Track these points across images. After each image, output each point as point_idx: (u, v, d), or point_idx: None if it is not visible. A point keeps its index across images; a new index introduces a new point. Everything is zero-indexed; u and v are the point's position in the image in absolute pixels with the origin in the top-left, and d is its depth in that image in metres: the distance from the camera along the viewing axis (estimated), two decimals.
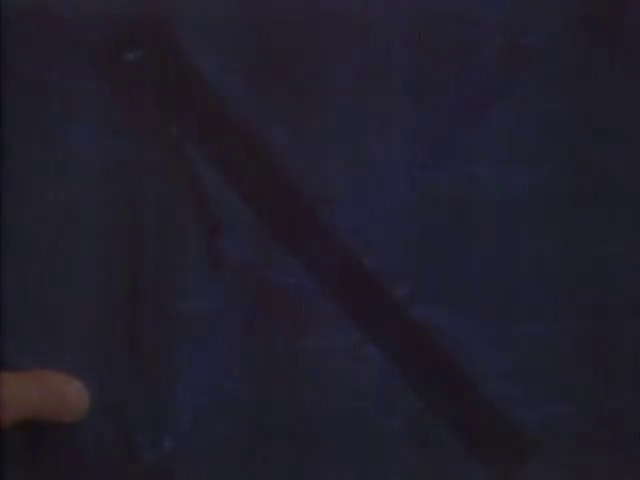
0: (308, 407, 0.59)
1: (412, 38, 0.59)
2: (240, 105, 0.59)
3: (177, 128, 0.60)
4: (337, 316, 0.59)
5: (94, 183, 0.60)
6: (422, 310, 0.59)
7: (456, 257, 0.59)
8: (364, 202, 0.59)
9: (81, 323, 0.59)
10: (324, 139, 0.59)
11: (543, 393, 0.58)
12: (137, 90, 0.60)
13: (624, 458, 0.58)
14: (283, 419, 0.59)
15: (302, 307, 0.59)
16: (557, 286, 0.59)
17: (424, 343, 0.58)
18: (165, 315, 0.59)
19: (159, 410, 0.59)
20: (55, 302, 0.60)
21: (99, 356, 0.59)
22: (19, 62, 0.60)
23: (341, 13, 0.59)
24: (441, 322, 0.58)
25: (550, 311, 0.59)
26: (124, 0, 0.60)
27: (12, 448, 0.59)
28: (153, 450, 0.59)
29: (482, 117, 0.59)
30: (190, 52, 0.60)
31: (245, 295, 0.59)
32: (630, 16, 0.58)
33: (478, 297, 0.59)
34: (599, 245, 0.59)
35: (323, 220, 0.59)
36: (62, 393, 0.26)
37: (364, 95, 0.59)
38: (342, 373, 0.59)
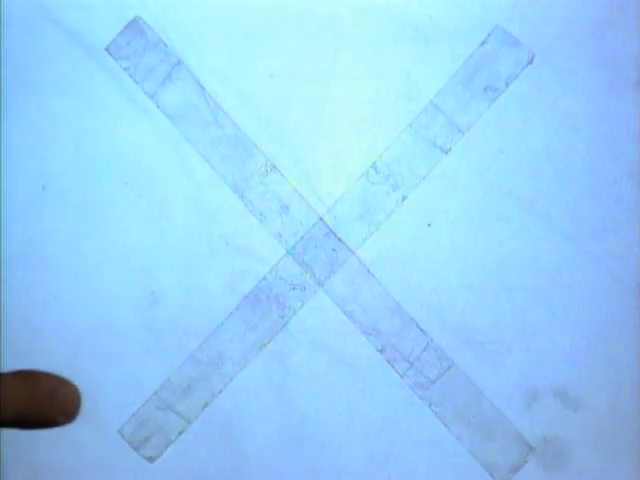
0: (308, 406, 0.59)
1: (412, 37, 0.59)
2: (237, 106, 0.60)
3: (177, 128, 0.60)
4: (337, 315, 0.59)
5: (94, 183, 0.60)
6: (421, 310, 0.59)
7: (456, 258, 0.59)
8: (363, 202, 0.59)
9: (82, 324, 0.60)
10: (320, 139, 0.60)
11: (543, 395, 0.58)
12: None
13: (622, 461, 0.58)
14: (282, 419, 0.59)
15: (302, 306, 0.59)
16: (556, 284, 0.59)
17: (423, 343, 0.58)
18: (166, 315, 0.59)
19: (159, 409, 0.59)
20: (55, 302, 0.60)
21: (99, 356, 0.60)
22: (19, 62, 0.60)
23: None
24: (440, 322, 0.59)
25: (550, 312, 0.59)
26: (124, 0, 0.60)
27: (12, 448, 0.60)
28: (153, 450, 0.59)
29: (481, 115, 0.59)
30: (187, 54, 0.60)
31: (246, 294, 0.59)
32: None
33: (477, 297, 0.59)
34: (598, 245, 0.59)
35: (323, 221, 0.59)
36: (54, 393, 0.26)
37: (362, 96, 0.60)
38: (342, 373, 0.59)
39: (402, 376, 0.58)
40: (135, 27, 0.60)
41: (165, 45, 0.60)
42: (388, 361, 0.59)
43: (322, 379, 0.59)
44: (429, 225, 0.59)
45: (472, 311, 0.59)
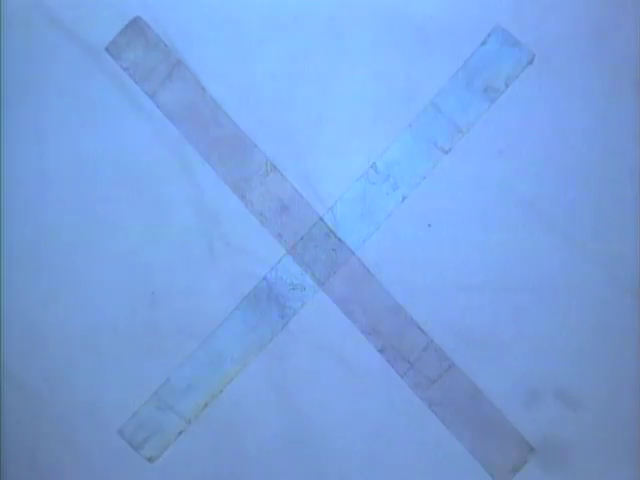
0: (308, 406, 0.59)
1: (412, 37, 0.59)
2: (237, 106, 0.60)
3: (177, 128, 0.60)
4: (337, 316, 0.59)
5: (94, 183, 0.60)
6: (421, 310, 0.59)
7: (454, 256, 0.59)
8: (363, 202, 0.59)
9: (83, 324, 0.60)
10: (320, 139, 0.60)
11: (543, 395, 0.58)
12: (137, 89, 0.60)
13: (621, 460, 0.58)
14: (282, 419, 0.59)
15: (302, 307, 0.59)
16: (556, 286, 0.59)
17: (423, 343, 0.58)
18: (166, 315, 0.59)
19: (158, 410, 0.59)
20: (56, 303, 0.60)
21: (99, 356, 0.60)
22: (19, 62, 0.60)
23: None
24: (440, 322, 0.58)
25: (549, 312, 0.59)
26: (124, 0, 0.60)
27: (12, 448, 0.60)
28: (153, 450, 0.59)
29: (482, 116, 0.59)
30: (189, 53, 0.60)
31: (245, 295, 0.59)
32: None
33: (477, 298, 0.59)
34: (598, 245, 0.59)
35: (324, 220, 0.59)
36: None
37: (362, 96, 0.60)
38: (342, 373, 0.59)
39: (402, 376, 0.58)
40: (135, 27, 0.60)
41: (165, 45, 0.60)
42: (388, 361, 0.59)
43: (322, 379, 0.59)
44: (429, 225, 0.59)
45: (472, 311, 0.59)
